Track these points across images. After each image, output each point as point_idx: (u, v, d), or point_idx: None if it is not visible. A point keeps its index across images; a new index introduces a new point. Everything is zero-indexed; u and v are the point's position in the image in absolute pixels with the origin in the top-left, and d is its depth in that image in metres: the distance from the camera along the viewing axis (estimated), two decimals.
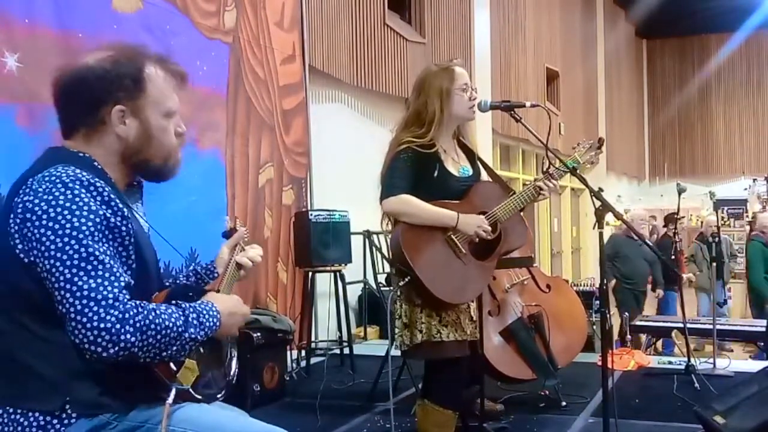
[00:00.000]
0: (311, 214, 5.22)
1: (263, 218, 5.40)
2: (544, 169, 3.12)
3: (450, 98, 2.95)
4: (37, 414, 1.57)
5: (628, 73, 19.01)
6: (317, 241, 5.14)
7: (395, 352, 3.24)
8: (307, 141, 5.94)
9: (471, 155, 3.15)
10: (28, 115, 3.59)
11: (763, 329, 5.83)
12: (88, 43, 3.92)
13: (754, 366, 4.64)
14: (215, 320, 1.66)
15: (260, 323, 4.43)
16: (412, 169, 2.91)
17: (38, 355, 1.58)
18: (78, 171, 1.59)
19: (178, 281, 2.00)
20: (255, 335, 4.29)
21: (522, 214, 3.17)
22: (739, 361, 5.33)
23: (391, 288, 3.09)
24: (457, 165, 3.05)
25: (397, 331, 3.00)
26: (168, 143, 1.75)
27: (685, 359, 4.83)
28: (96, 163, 1.68)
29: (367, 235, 5.18)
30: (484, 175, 3.26)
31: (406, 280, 2.86)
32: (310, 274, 5.35)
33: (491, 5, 9.82)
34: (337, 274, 5.31)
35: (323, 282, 5.47)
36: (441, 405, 3.00)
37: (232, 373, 1.86)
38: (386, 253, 3.03)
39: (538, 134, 2.95)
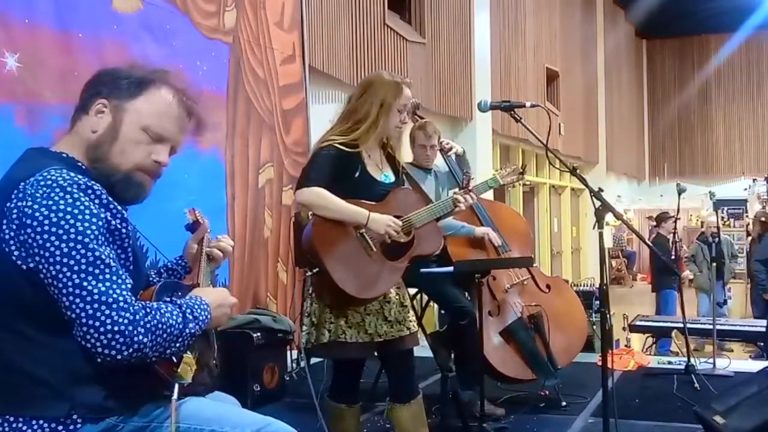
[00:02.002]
0: (311, 214, 5.21)
1: (263, 218, 5.39)
2: (464, 185, 3.19)
3: (387, 112, 2.95)
4: (41, 422, 1.55)
5: (628, 73, 19.01)
6: None
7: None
8: (307, 141, 5.92)
9: (396, 167, 3.15)
10: (27, 115, 3.59)
11: (763, 329, 5.84)
12: (88, 43, 3.92)
13: (754, 366, 4.65)
14: (207, 314, 1.67)
15: (260, 323, 4.43)
16: (331, 167, 2.91)
17: (39, 361, 1.56)
18: (73, 174, 1.57)
19: (150, 278, 1.97)
20: (255, 335, 4.28)
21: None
22: (739, 361, 5.33)
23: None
24: (379, 171, 3.06)
25: (304, 328, 3.04)
26: (133, 158, 1.68)
27: (685, 359, 4.83)
28: (80, 164, 1.67)
29: None
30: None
31: (315, 271, 2.88)
32: None
33: (491, 6, 9.82)
34: None
35: None
36: (335, 400, 3.18)
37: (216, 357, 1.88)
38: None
39: (538, 134, 2.96)
